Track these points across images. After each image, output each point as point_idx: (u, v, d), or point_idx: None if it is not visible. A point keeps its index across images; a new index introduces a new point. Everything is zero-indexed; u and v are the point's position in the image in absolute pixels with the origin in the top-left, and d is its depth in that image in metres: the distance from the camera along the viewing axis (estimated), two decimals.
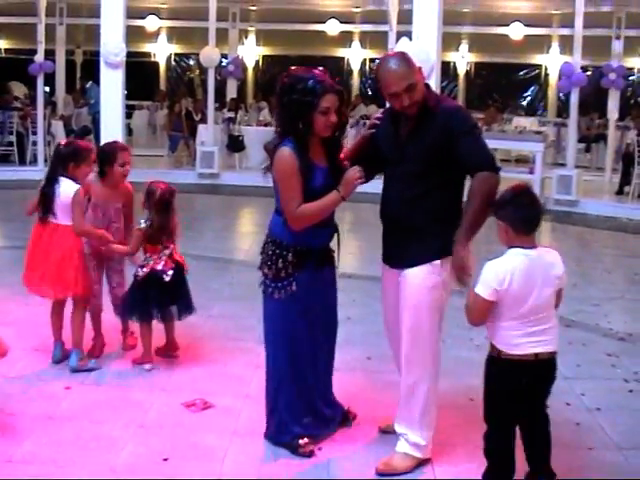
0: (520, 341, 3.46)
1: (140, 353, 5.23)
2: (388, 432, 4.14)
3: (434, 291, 3.78)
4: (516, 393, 3.51)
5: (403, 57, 3.79)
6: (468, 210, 3.62)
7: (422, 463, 3.96)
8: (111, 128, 8.55)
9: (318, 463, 3.93)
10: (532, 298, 3.43)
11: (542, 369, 3.53)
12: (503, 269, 3.38)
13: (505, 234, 3.44)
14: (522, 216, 3.40)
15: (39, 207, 5.03)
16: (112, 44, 8.31)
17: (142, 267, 5.13)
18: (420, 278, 3.75)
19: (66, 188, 4.97)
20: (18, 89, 18.58)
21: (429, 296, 3.77)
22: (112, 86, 8.50)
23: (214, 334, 5.76)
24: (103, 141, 8.60)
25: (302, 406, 4.06)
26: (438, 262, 3.74)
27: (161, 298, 5.13)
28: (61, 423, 4.28)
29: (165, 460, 3.90)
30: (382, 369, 5.03)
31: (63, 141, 5.30)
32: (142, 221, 5.12)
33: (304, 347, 3.99)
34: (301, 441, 3.99)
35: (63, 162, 5.02)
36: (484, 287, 3.40)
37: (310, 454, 3.97)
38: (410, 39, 7.32)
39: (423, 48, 7.15)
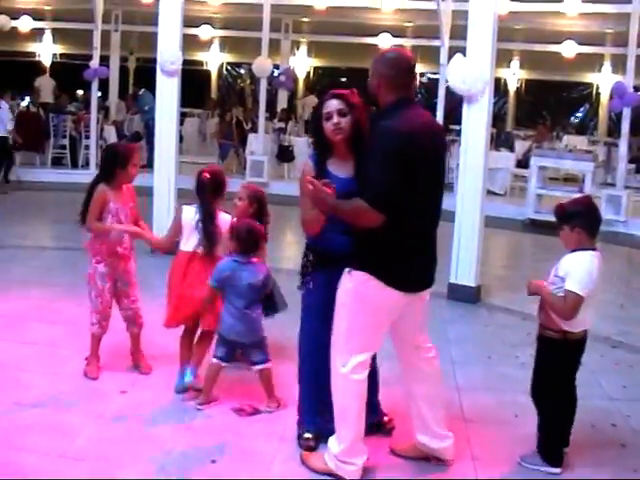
0: (581, 320, 4.07)
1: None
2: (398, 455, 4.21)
3: (356, 294, 3.78)
4: (573, 366, 4.19)
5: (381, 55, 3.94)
6: (343, 203, 3.68)
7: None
8: (166, 135, 8.63)
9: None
10: (595, 291, 4.06)
11: (584, 343, 4.19)
12: (591, 269, 3.99)
13: (577, 239, 4.01)
14: (595, 223, 4.05)
15: (204, 242, 4.83)
16: (169, 52, 8.41)
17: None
18: (343, 280, 3.84)
19: (224, 220, 4.91)
20: (46, 87, 18.58)
21: (343, 298, 3.83)
22: (168, 94, 8.57)
23: None
24: (157, 148, 8.79)
25: (312, 403, 4.25)
26: (357, 272, 3.75)
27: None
28: (112, 422, 4.39)
29: (213, 462, 3.98)
30: None
31: (207, 173, 4.94)
32: None
33: (316, 345, 4.15)
34: (305, 434, 4.22)
35: (221, 193, 4.94)
36: (583, 287, 3.94)
37: (308, 449, 4.14)
38: (463, 55, 7.31)
39: (477, 65, 7.14)
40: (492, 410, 4.95)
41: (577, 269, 3.95)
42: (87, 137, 14.84)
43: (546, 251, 10.85)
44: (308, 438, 4.20)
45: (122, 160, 4.95)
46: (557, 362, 4.16)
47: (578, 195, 4.22)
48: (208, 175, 4.89)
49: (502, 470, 4.14)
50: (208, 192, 4.86)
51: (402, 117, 3.71)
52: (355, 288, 3.78)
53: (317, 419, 4.22)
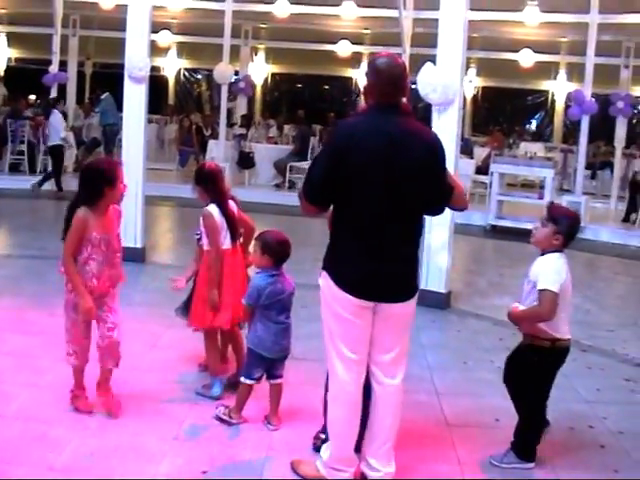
0: (566, 328, 4.23)
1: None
2: None
3: (322, 293, 3.83)
4: (557, 371, 4.31)
5: (370, 61, 3.91)
6: None
7: None
8: (133, 142, 8.57)
9: None
10: (570, 291, 4.22)
11: (568, 349, 4.30)
12: (559, 266, 4.15)
13: (553, 244, 4.17)
14: (573, 238, 4.23)
15: (231, 234, 4.94)
16: (137, 58, 8.35)
17: None
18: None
19: (232, 206, 5.04)
20: None
21: (322, 296, 3.86)
22: (135, 100, 8.52)
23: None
24: (125, 154, 8.71)
25: None
26: (323, 272, 3.80)
27: None
28: (97, 434, 4.33)
29: (204, 473, 3.97)
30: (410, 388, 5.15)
31: (211, 164, 5.31)
32: None
33: None
34: (322, 435, 4.17)
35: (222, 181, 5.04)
36: (554, 283, 4.07)
37: (318, 449, 4.11)
38: (432, 63, 7.38)
39: (447, 73, 7.23)
40: (473, 414, 5.02)
41: (544, 269, 4.13)
42: (45, 143, 14.63)
43: (509, 257, 11.06)
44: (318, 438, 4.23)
45: (110, 178, 4.38)
46: (546, 370, 4.26)
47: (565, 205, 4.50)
48: (214, 165, 5.14)
49: (489, 473, 4.21)
50: (220, 180, 4.99)
51: (359, 119, 3.80)
52: (322, 288, 3.82)
53: None
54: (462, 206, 4.07)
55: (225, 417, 4.57)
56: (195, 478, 3.92)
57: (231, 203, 5.06)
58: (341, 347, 3.77)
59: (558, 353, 4.23)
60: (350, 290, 3.70)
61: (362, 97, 3.92)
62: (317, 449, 4.15)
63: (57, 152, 13.69)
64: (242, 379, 4.57)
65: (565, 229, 4.17)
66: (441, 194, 3.84)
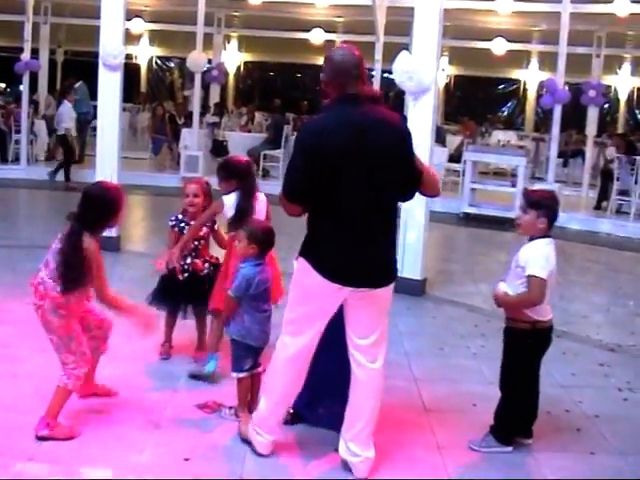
0: (547, 309, 4.32)
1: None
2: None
3: (296, 276, 3.94)
4: (541, 353, 4.39)
5: (326, 55, 3.94)
6: None
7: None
8: (108, 130, 8.53)
9: (336, 465, 4.03)
10: (555, 277, 4.32)
11: (551, 331, 4.39)
12: (548, 252, 4.24)
13: (540, 228, 4.23)
14: (556, 218, 4.30)
15: (233, 224, 4.96)
16: (111, 46, 8.29)
17: None
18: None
19: (262, 200, 5.14)
20: None
21: (295, 278, 3.96)
22: (110, 88, 8.46)
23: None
24: (99, 143, 8.66)
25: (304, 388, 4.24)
26: (299, 259, 3.88)
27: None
28: (79, 423, 4.31)
29: (186, 460, 3.98)
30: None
31: (244, 158, 5.39)
32: None
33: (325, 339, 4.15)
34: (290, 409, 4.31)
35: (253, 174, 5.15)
36: (543, 270, 4.16)
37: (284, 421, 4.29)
38: (406, 51, 7.41)
39: (423, 61, 7.26)
40: (451, 400, 5.08)
41: (534, 255, 4.20)
42: (17, 132, 14.49)
43: (482, 244, 11.17)
44: (287, 412, 4.27)
45: (118, 209, 4.19)
46: (528, 352, 4.32)
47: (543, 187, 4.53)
48: (248, 158, 5.31)
49: (469, 458, 4.26)
50: (251, 172, 5.15)
51: (326, 115, 3.83)
52: (295, 273, 3.90)
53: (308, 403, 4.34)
54: (433, 192, 4.11)
55: (232, 418, 4.51)
56: (178, 470, 3.92)
57: (261, 198, 5.15)
58: (298, 328, 3.91)
59: (539, 335, 4.30)
60: (331, 277, 3.75)
61: (324, 91, 3.89)
62: (286, 422, 4.30)
63: (64, 141, 13.89)
64: (233, 374, 4.50)
65: (547, 211, 4.24)
66: (411, 178, 3.88)
